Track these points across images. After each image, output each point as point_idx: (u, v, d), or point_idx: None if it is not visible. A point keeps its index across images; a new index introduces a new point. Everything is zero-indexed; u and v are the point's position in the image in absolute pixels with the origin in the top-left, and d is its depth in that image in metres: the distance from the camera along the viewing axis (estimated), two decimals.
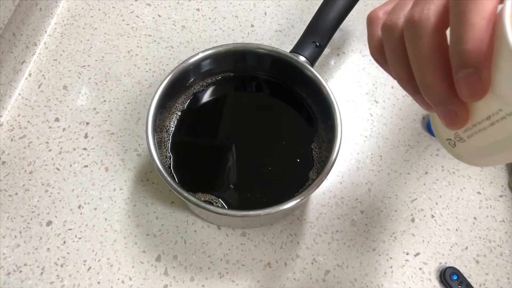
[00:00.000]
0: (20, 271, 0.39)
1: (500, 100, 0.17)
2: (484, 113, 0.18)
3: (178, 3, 0.56)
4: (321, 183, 0.34)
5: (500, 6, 0.17)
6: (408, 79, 0.20)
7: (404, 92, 0.51)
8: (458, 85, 0.17)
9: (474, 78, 0.16)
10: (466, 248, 0.42)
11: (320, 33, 0.42)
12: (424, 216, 0.44)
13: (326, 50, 0.46)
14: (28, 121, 0.46)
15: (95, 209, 0.42)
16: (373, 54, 0.23)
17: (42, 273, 0.39)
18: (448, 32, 0.18)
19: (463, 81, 0.17)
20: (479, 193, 0.45)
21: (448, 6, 0.18)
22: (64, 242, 0.40)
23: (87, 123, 0.47)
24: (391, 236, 0.42)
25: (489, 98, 0.17)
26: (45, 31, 0.53)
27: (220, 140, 0.41)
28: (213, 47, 0.41)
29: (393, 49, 0.21)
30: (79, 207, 0.42)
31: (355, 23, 0.56)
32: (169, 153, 0.39)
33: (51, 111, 0.47)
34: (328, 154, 0.36)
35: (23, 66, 0.49)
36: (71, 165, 0.44)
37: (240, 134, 0.42)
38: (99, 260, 0.40)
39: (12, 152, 0.44)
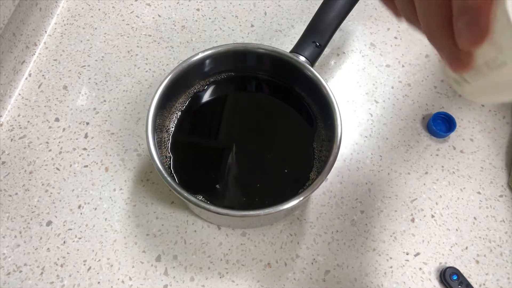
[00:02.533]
0: (20, 271, 0.39)
1: (496, 48, 0.18)
2: (483, 59, 0.20)
3: (178, 3, 0.56)
4: (321, 183, 0.34)
5: None
6: (414, 22, 0.21)
7: (404, 92, 0.51)
8: (458, 33, 0.18)
9: (473, 26, 0.17)
10: (466, 248, 0.42)
11: (320, 33, 0.42)
12: (424, 216, 0.44)
13: (326, 50, 0.46)
14: (28, 121, 0.46)
15: (95, 209, 0.42)
16: None
17: (42, 273, 0.39)
18: None
19: (463, 28, 0.18)
20: (479, 193, 0.45)
21: None
22: (64, 242, 0.40)
23: (87, 123, 0.47)
24: (391, 236, 0.42)
25: (487, 46, 0.18)
26: (45, 31, 0.53)
27: (220, 140, 0.41)
28: (213, 47, 0.41)
29: None
30: (79, 207, 0.42)
31: (355, 23, 0.56)
32: (169, 153, 0.39)
33: (51, 111, 0.47)
34: (328, 153, 0.36)
35: (23, 66, 0.49)
36: (71, 165, 0.44)
37: (240, 134, 0.42)
38: (99, 260, 0.40)
39: (12, 152, 0.44)
